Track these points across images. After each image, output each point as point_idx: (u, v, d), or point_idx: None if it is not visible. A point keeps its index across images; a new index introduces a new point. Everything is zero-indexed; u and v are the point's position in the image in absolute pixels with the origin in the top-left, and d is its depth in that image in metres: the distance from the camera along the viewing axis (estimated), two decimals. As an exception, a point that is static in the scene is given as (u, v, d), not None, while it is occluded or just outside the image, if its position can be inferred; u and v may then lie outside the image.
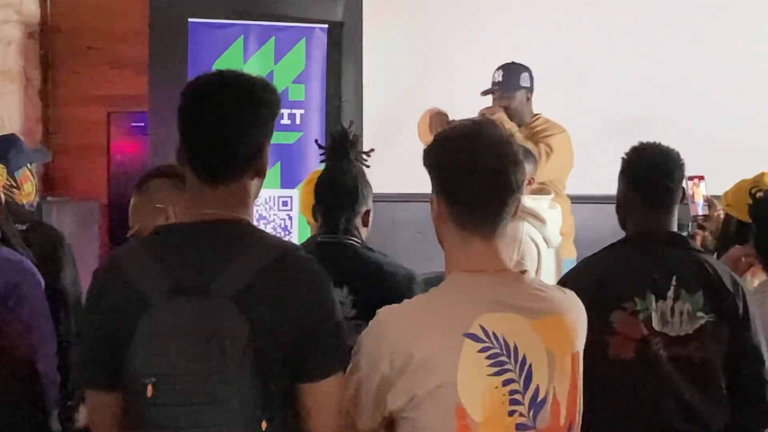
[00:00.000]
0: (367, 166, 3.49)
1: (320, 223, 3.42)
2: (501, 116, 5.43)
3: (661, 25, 7.57)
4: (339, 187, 3.37)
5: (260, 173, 2.40)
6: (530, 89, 5.85)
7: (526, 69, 5.89)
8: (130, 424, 2.25)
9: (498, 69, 5.90)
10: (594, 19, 7.58)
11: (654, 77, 7.56)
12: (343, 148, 3.48)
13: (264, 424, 2.18)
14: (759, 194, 3.69)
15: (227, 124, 2.31)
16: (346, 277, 3.13)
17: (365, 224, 3.43)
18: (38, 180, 4.63)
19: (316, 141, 3.84)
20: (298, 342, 2.25)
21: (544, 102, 7.36)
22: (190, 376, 2.13)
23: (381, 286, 3.20)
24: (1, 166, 3.83)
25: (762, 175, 4.27)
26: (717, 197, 4.65)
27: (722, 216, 4.55)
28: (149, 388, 2.13)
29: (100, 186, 8.36)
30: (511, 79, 5.78)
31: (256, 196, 2.44)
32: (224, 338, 2.14)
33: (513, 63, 5.93)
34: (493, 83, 5.83)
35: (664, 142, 3.32)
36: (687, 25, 7.57)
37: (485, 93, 5.86)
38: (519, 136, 5.19)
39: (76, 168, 8.54)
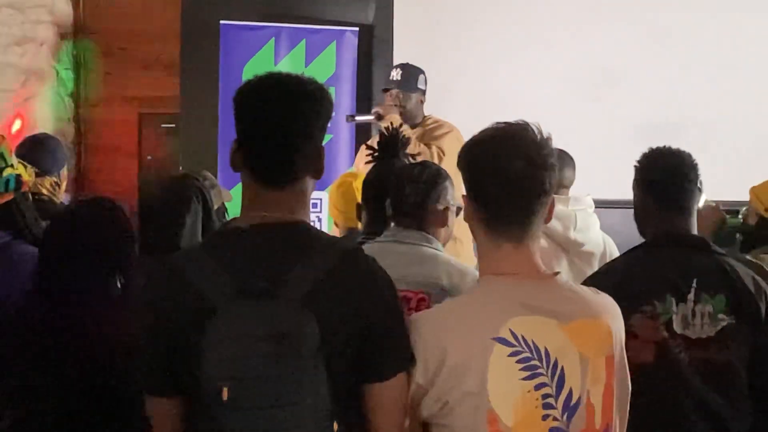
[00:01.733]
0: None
1: (365, 222, 3.40)
2: (395, 117, 5.36)
3: (692, 30, 7.54)
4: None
5: (318, 174, 2.40)
6: (424, 92, 5.76)
7: (422, 72, 5.79)
8: (201, 429, 2.23)
9: (396, 68, 5.82)
10: (625, 23, 7.55)
11: (684, 82, 7.53)
12: (394, 148, 3.47)
13: (336, 425, 2.19)
14: None
15: (291, 130, 2.32)
16: None
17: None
18: (71, 180, 4.67)
19: (367, 144, 3.81)
20: (364, 342, 2.25)
21: (574, 106, 7.38)
22: (265, 379, 2.12)
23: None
24: (30, 167, 3.84)
25: None
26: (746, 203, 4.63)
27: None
28: (225, 392, 2.12)
29: (131, 186, 8.39)
30: (409, 80, 5.67)
31: (311, 195, 2.44)
32: (296, 340, 2.14)
33: (410, 64, 5.85)
34: (391, 81, 5.71)
35: (694, 148, 3.31)
36: (718, 30, 7.54)
37: (385, 90, 5.75)
38: (413, 140, 5.10)
39: (106, 169, 8.58)
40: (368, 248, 2.71)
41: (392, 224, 3.24)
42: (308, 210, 2.41)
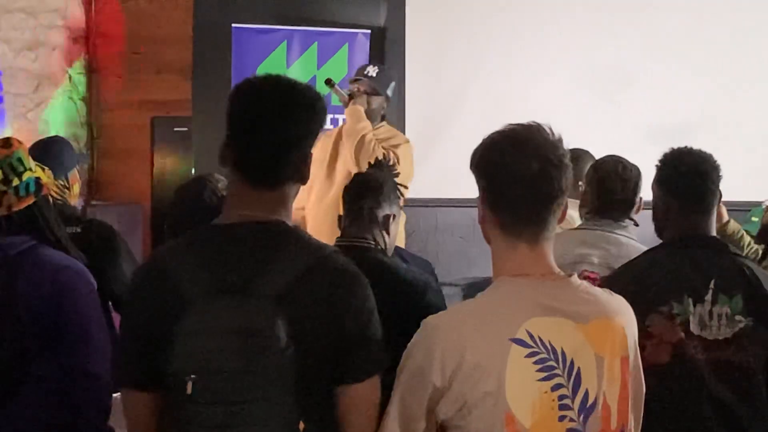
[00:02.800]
0: (397, 174, 3.53)
1: (344, 220, 3.45)
2: (359, 108, 5.34)
3: (704, 32, 7.54)
4: (363, 181, 3.45)
5: (303, 180, 2.42)
6: (389, 100, 5.64)
7: (395, 80, 5.73)
8: (169, 423, 2.26)
9: (374, 65, 5.72)
10: (636, 26, 7.56)
11: (696, 84, 7.53)
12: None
13: (302, 425, 2.19)
14: None
15: (282, 134, 2.34)
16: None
17: (387, 230, 3.45)
18: (83, 184, 4.67)
19: None
20: (337, 344, 2.27)
21: (587, 108, 7.37)
22: (230, 374, 2.14)
23: (395, 291, 3.20)
24: (48, 169, 3.84)
25: None
26: (758, 204, 4.66)
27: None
28: (189, 385, 2.14)
29: (143, 190, 8.40)
30: (382, 81, 5.53)
31: (294, 198, 2.46)
32: (263, 337, 2.15)
33: (388, 68, 5.83)
34: (366, 75, 5.57)
35: (707, 150, 3.30)
36: (731, 33, 7.53)
37: (354, 81, 5.60)
38: (369, 137, 5.15)
39: (119, 172, 8.60)
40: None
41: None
42: (290, 212, 2.43)
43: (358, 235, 3.39)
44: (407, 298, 3.20)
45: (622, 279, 3.14)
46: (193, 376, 2.14)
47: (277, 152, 2.34)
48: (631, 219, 3.97)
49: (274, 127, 2.33)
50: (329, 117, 6.94)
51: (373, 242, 3.39)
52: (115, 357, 2.44)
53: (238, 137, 2.37)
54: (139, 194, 8.44)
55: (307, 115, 2.38)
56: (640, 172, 3.96)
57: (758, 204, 5.51)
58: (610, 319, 2.32)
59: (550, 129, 2.35)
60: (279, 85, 2.40)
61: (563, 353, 2.23)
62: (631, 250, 3.72)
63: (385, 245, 3.45)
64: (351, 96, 5.38)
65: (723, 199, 3.38)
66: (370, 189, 3.42)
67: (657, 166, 3.33)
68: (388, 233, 3.45)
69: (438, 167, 6.54)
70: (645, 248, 3.40)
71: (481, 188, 2.37)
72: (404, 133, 7.17)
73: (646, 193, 3.63)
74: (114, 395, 3.06)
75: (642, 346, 2.72)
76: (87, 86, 8.70)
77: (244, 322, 2.15)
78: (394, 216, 3.46)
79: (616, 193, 3.96)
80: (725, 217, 4.74)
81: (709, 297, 3.07)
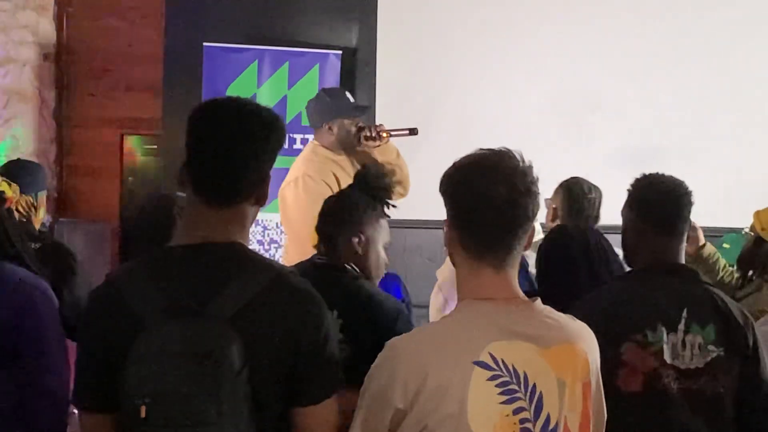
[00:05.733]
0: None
1: (319, 240, 3.44)
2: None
3: (674, 58, 7.59)
4: (338, 203, 3.43)
5: (260, 201, 2.42)
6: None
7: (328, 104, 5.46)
8: None
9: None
10: (607, 50, 7.60)
11: (667, 108, 7.58)
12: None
13: None
14: None
15: (238, 153, 2.34)
16: (336, 300, 3.12)
17: (365, 252, 3.42)
18: (51, 200, 4.66)
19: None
20: (292, 366, 2.26)
21: (557, 131, 7.41)
22: (184, 398, 2.12)
23: (369, 315, 3.22)
24: (15, 185, 3.83)
25: None
26: (733, 229, 4.71)
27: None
28: (143, 409, 2.12)
29: (112, 208, 8.38)
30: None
31: (252, 222, 2.46)
32: (218, 360, 2.14)
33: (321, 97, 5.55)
34: (363, 107, 5.57)
35: (675, 174, 3.31)
36: (700, 58, 7.59)
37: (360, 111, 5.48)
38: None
39: (88, 189, 8.57)
40: None
41: None
42: (247, 234, 2.42)
43: (334, 255, 3.38)
44: (378, 324, 3.20)
45: (596, 306, 3.10)
46: (146, 399, 2.12)
47: (234, 171, 2.34)
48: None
49: (231, 146, 2.33)
50: (299, 137, 6.96)
51: (348, 265, 3.38)
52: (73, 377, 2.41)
53: (196, 157, 2.36)
54: (107, 211, 8.41)
55: (265, 135, 2.38)
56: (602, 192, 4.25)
57: (731, 230, 5.55)
58: (572, 344, 2.33)
59: (521, 155, 2.35)
60: (237, 105, 2.41)
61: (525, 377, 2.23)
62: None
63: (364, 269, 3.43)
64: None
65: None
66: (344, 211, 3.41)
67: (628, 190, 3.32)
68: (365, 255, 3.44)
69: (407, 188, 6.54)
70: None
71: (449, 212, 2.38)
72: (374, 156, 7.22)
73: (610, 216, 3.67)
74: (74, 412, 3.05)
75: (615, 375, 2.73)
76: (57, 103, 8.67)
77: (197, 345, 2.14)
78: (368, 239, 3.44)
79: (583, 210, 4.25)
80: (701, 240, 4.78)
81: (682, 326, 3.06)
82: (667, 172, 3.31)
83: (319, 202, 3.49)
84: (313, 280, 2.44)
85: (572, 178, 4.60)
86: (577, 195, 4.52)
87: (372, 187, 3.47)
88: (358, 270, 3.36)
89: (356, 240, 3.38)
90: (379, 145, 5.22)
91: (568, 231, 3.64)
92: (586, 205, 4.47)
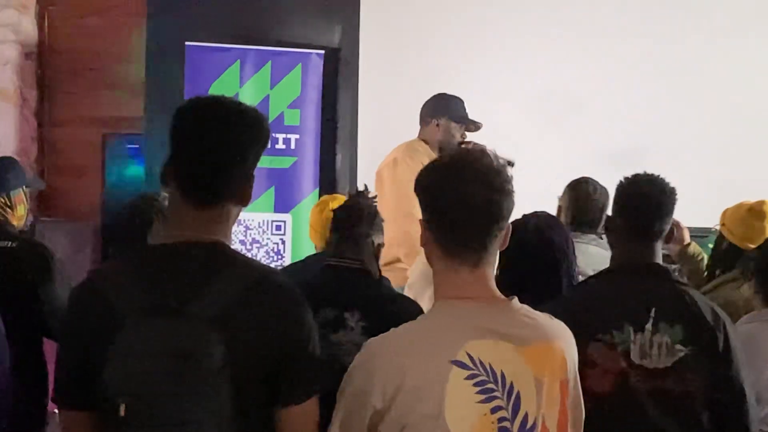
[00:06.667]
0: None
1: (335, 242, 3.43)
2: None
3: (655, 56, 7.61)
4: (357, 208, 3.43)
5: (243, 201, 2.42)
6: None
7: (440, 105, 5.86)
8: None
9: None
10: (587, 50, 7.61)
11: (647, 109, 7.59)
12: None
13: None
14: None
15: (222, 152, 2.34)
16: (360, 302, 3.14)
17: (377, 258, 3.45)
18: (32, 200, 4.64)
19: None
20: (274, 366, 2.26)
21: (538, 131, 7.42)
22: (164, 397, 2.12)
23: (395, 317, 3.21)
24: None
25: (762, 202, 4.36)
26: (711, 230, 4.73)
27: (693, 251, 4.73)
28: (122, 408, 2.13)
29: (94, 207, 8.35)
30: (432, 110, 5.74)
31: (234, 222, 2.46)
32: (198, 360, 2.14)
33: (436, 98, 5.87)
34: (474, 122, 5.72)
35: (661, 174, 3.31)
36: (682, 59, 7.61)
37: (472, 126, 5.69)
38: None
39: (70, 189, 8.52)
40: None
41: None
42: (230, 233, 2.42)
43: (353, 257, 3.37)
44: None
45: (561, 308, 3.07)
46: (126, 398, 2.13)
47: (218, 170, 2.34)
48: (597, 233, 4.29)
49: (215, 145, 2.33)
50: (282, 137, 6.95)
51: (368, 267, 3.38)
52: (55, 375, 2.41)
53: (180, 156, 2.36)
54: (89, 211, 8.38)
55: (249, 134, 2.38)
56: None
57: (709, 230, 5.56)
58: (550, 342, 2.34)
59: (495, 155, 2.36)
60: (221, 104, 2.41)
61: (503, 376, 2.24)
62: (596, 259, 3.93)
63: (379, 272, 3.44)
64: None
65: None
66: (364, 216, 3.41)
67: (617, 186, 3.33)
68: (378, 261, 3.45)
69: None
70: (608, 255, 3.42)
71: (424, 212, 2.39)
72: (357, 154, 7.23)
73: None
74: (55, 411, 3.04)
75: (584, 375, 2.74)
76: (39, 102, 8.63)
77: (178, 344, 2.14)
78: (381, 245, 3.47)
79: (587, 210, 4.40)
80: (687, 239, 4.80)
81: (649, 326, 3.05)
82: (655, 173, 3.31)
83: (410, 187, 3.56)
84: (337, 280, 2.43)
85: (581, 178, 4.68)
86: (581, 196, 4.57)
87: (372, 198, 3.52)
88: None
89: (381, 244, 3.42)
90: None
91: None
92: (590, 206, 4.52)
